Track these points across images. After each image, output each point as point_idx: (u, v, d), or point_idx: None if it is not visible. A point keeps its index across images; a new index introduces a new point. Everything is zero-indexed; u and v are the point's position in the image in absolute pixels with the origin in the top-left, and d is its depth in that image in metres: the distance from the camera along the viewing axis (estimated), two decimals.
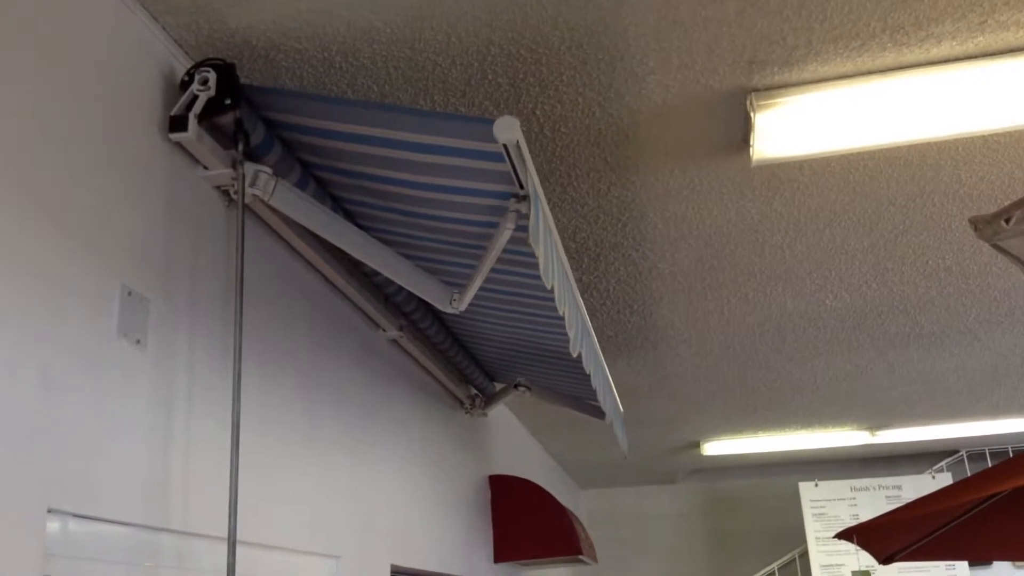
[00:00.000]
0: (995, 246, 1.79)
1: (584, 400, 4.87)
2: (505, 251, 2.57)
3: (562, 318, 3.21)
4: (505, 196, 2.30)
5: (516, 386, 4.74)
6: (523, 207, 2.19)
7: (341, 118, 2.23)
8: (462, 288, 2.53)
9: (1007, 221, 1.73)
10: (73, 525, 1.75)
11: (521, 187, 2.12)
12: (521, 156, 1.98)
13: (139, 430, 1.94)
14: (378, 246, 2.50)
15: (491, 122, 1.95)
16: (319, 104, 2.23)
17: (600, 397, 3.52)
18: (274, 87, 2.47)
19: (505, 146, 1.94)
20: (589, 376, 3.65)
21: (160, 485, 1.99)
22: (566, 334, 3.46)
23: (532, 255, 2.62)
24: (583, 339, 2.77)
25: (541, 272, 2.08)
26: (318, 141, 2.40)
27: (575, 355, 2.63)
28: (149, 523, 1.94)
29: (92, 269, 1.85)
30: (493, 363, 4.53)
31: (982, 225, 1.78)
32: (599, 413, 4.81)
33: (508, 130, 1.89)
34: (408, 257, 2.84)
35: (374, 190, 2.57)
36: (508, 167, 2.05)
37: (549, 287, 2.12)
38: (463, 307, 2.52)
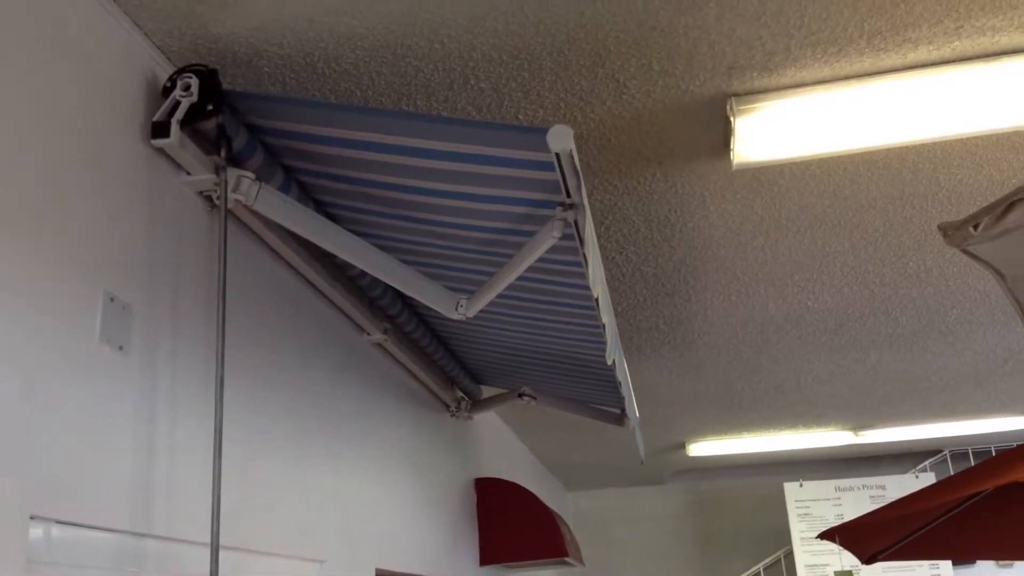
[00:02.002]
0: (965, 251, 1.82)
1: (595, 406, 4.87)
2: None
3: (588, 325, 3.22)
4: (538, 204, 2.29)
5: (520, 395, 4.72)
6: (570, 215, 2.17)
7: (328, 123, 2.24)
8: (471, 294, 2.51)
9: (975, 227, 1.75)
10: (56, 531, 1.75)
11: (568, 195, 2.10)
12: (573, 165, 1.96)
13: (122, 436, 1.95)
14: (372, 250, 2.48)
15: (526, 129, 1.93)
16: (302, 109, 2.24)
17: (627, 404, 3.53)
18: (257, 93, 2.47)
19: (557, 155, 1.91)
20: (618, 383, 3.68)
21: (143, 491, 2.00)
22: (586, 340, 3.46)
23: (555, 261, 2.62)
24: (616, 347, 2.78)
25: (590, 281, 2.08)
26: (302, 146, 2.41)
27: (609, 363, 2.64)
28: (132, 529, 1.94)
29: (74, 275, 1.86)
30: (484, 367, 4.54)
31: (951, 231, 1.80)
32: (614, 419, 4.82)
33: (562, 139, 1.86)
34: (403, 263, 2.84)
35: (362, 194, 2.58)
36: (557, 175, 2.03)
37: (595, 295, 2.13)
38: (472, 313, 2.48)
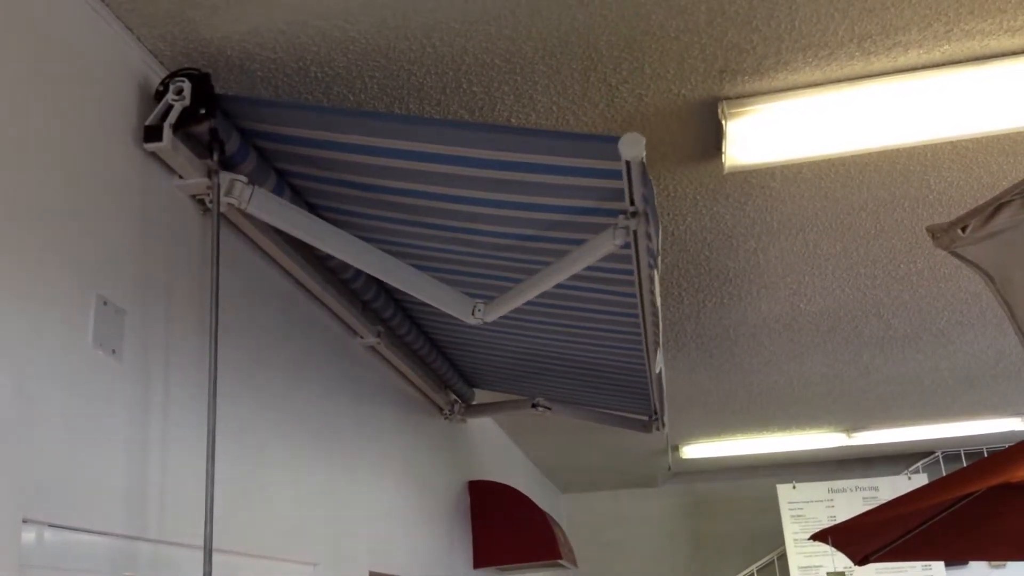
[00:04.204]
0: (953, 253, 1.83)
1: (618, 413, 4.86)
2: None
3: (620, 332, 3.22)
4: (580, 211, 2.29)
5: (535, 406, 4.70)
6: (632, 224, 2.13)
7: (321, 127, 2.24)
8: (487, 299, 2.47)
9: (963, 229, 1.77)
10: (49, 535, 1.75)
11: (632, 203, 2.07)
12: (643, 173, 1.93)
13: (115, 439, 1.95)
14: (372, 251, 2.45)
15: (570, 136, 1.92)
16: (295, 113, 2.24)
17: (664, 411, 3.50)
18: (249, 96, 2.47)
19: (628, 163, 1.88)
20: (661, 391, 3.67)
21: (136, 494, 2.00)
22: (615, 347, 3.44)
23: (596, 268, 2.59)
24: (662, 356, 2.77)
25: (657, 291, 2.06)
26: (295, 149, 2.41)
27: (657, 371, 2.62)
28: (125, 532, 1.94)
29: (67, 279, 1.86)
30: (483, 371, 4.51)
31: (939, 234, 1.81)
32: (640, 426, 4.81)
33: (634, 147, 1.83)
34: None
35: (358, 198, 2.58)
36: (623, 183, 2.00)
37: (658, 304, 2.12)
38: (491, 318, 2.43)
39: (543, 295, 2.95)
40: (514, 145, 2.05)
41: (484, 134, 2.04)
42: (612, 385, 4.18)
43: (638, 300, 2.65)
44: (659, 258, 2.17)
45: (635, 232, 2.14)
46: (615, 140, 1.88)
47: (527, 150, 2.05)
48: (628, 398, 4.43)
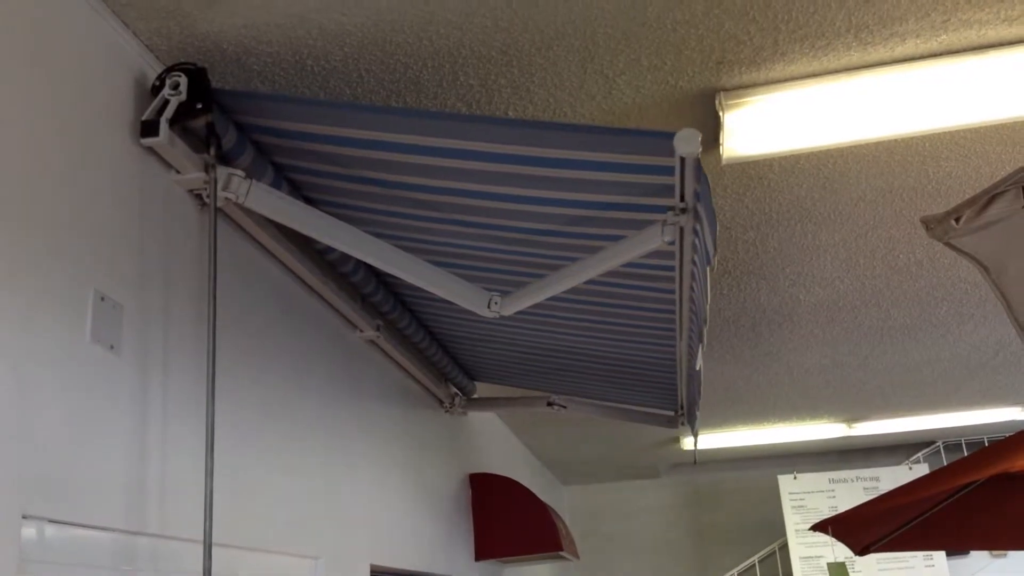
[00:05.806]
0: (948, 244, 1.83)
1: (639, 408, 4.85)
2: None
3: (651, 328, 3.21)
4: (609, 207, 2.28)
5: (550, 404, 4.68)
6: (681, 220, 2.11)
7: (318, 120, 2.24)
8: (503, 293, 2.45)
9: (957, 220, 1.76)
10: (49, 530, 1.75)
11: (682, 199, 2.05)
12: (697, 170, 1.91)
13: (114, 434, 1.95)
14: (376, 242, 2.43)
15: (590, 129, 1.91)
16: (292, 107, 2.24)
17: (695, 408, 3.49)
18: (246, 91, 2.47)
19: (683, 159, 1.86)
20: (695, 386, 3.66)
21: (136, 489, 2.00)
22: (644, 343, 3.43)
23: (632, 264, 2.58)
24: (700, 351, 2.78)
25: (708, 288, 2.05)
26: (291, 143, 2.41)
27: (697, 368, 2.61)
28: (126, 527, 1.95)
29: (65, 275, 1.86)
30: (485, 365, 4.51)
31: (933, 224, 1.81)
32: (666, 421, 4.80)
33: (690, 143, 1.80)
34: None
35: (355, 191, 2.58)
36: (676, 179, 1.98)
37: (709, 300, 2.11)
38: (509, 311, 2.41)
39: (577, 291, 2.92)
40: (553, 141, 2.03)
41: (513, 130, 2.03)
42: (634, 380, 4.15)
43: (676, 297, 2.64)
44: (715, 256, 2.16)
45: (682, 228, 2.13)
46: (668, 136, 1.84)
47: (559, 146, 2.04)
48: (650, 393, 4.41)
